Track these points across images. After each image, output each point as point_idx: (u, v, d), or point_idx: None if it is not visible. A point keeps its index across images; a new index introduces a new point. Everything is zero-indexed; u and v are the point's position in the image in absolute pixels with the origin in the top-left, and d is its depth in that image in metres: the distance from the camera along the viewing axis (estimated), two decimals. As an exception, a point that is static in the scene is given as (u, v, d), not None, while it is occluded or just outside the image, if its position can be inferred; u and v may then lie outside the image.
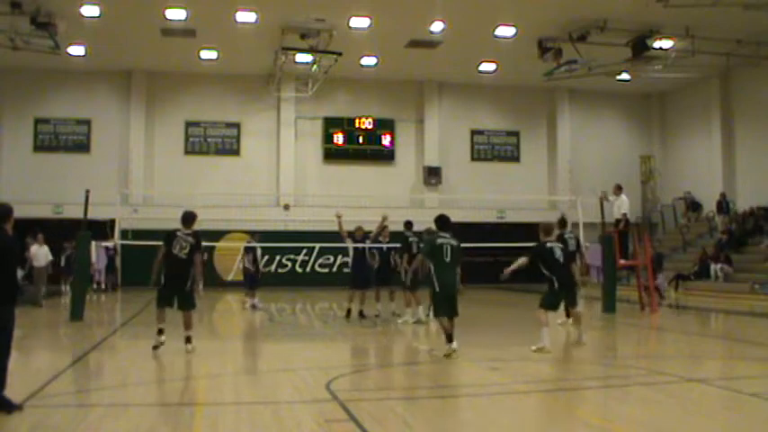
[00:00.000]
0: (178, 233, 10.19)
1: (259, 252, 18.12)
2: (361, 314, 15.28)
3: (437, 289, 9.59)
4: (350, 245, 15.66)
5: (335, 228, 15.83)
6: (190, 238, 10.13)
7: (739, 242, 25.07)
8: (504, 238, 20.37)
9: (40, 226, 22.69)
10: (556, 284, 10.53)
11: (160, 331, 10.19)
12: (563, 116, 31.29)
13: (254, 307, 17.57)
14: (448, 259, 9.62)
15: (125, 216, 23.63)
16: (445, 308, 9.68)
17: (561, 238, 12.76)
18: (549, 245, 10.70)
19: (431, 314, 11.03)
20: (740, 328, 14.95)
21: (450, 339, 9.65)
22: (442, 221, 10.11)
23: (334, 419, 6.47)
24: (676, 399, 7.55)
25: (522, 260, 10.55)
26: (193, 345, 10.21)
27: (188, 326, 10.19)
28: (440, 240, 9.75)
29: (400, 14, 22.12)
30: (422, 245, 12.92)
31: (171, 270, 10.07)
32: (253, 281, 17.96)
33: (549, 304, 10.71)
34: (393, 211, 26.37)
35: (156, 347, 10.08)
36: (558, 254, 10.65)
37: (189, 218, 10.44)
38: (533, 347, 10.41)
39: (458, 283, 10.02)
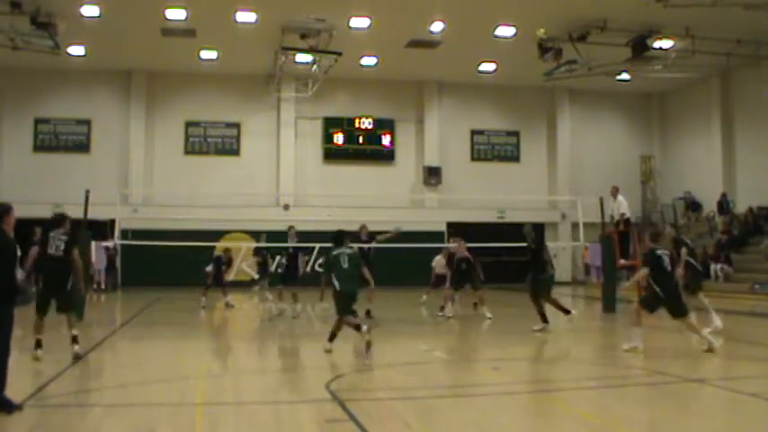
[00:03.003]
0: (51, 234, 9.68)
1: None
2: (368, 313, 15.28)
3: (340, 294, 10.26)
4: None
5: (336, 228, 15.84)
6: (64, 237, 9.66)
7: (739, 242, 25.06)
8: (505, 238, 20.38)
9: (40, 226, 22.83)
10: (660, 293, 10.28)
11: (38, 343, 9.46)
12: (563, 116, 31.29)
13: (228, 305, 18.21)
14: (346, 266, 10.33)
15: (125, 216, 23.65)
16: (348, 308, 10.31)
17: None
18: (657, 252, 10.52)
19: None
20: (740, 328, 14.94)
21: (332, 338, 10.22)
22: (335, 238, 10.81)
23: (334, 419, 6.46)
24: (676, 399, 7.55)
25: (643, 272, 10.48)
26: (79, 346, 9.59)
27: (71, 325, 9.68)
28: (335, 252, 10.51)
29: (400, 14, 22.12)
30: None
31: (49, 272, 9.63)
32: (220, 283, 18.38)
33: (648, 305, 10.53)
34: (393, 211, 26.63)
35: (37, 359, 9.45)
36: (666, 262, 10.48)
37: (59, 219, 9.91)
38: (625, 347, 10.34)
39: (358, 285, 10.57)
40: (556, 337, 12.46)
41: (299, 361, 10.42)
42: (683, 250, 13.09)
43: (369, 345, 9.54)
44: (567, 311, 13.18)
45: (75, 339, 9.65)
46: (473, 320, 15.33)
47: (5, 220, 6.77)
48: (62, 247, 9.57)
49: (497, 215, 28.73)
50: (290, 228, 16.31)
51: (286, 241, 16.42)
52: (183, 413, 6.80)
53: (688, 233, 28.28)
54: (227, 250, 18.93)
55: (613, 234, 17.99)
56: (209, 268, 18.22)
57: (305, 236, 25.52)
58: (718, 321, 12.41)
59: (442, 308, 15.98)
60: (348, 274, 10.36)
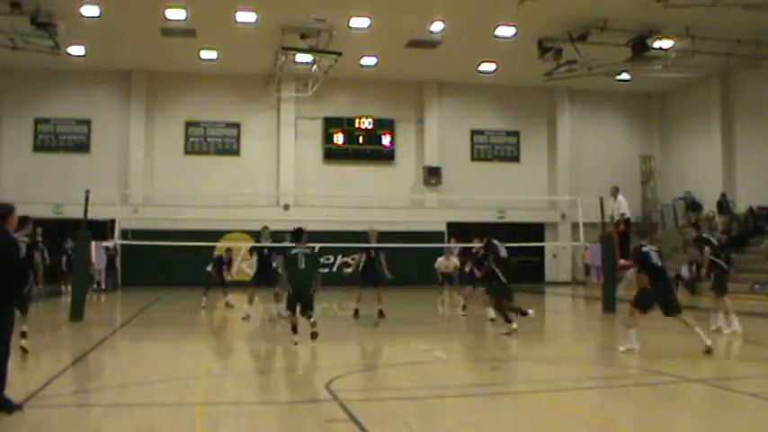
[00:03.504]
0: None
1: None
2: (380, 313, 15.33)
3: (291, 291, 11.28)
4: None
5: (336, 228, 15.93)
6: (25, 239, 9.49)
7: (739, 242, 25.03)
8: (505, 238, 20.37)
9: (40, 226, 22.80)
10: (651, 289, 10.31)
11: None
12: (563, 116, 31.28)
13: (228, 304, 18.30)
14: (302, 266, 11.16)
15: (125, 216, 23.65)
16: (295, 306, 11.24)
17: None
18: (644, 249, 10.55)
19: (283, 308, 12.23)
20: (740, 328, 14.93)
21: (294, 330, 11.19)
22: (294, 234, 11.59)
23: (334, 419, 6.47)
24: (676, 399, 7.55)
25: (632, 271, 10.49)
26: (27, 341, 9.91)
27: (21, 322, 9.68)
28: (294, 251, 11.31)
29: (400, 14, 22.11)
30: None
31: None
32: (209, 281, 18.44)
33: (641, 304, 10.50)
34: (393, 211, 26.64)
35: None
36: (655, 258, 10.44)
37: (21, 221, 9.18)
38: (621, 348, 10.37)
39: (314, 285, 11.39)
40: (555, 337, 12.46)
41: (299, 361, 10.42)
42: (707, 249, 12.95)
43: (313, 335, 11.03)
44: (509, 320, 12.70)
45: (23, 335, 9.85)
46: (474, 320, 15.33)
47: (8, 221, 6.78)
48: (23, 249, 9.47)
49: (497, 215, 28.73)
50: (264, 228, 16.31)
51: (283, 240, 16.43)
52: (183, 413, 6.81)
53: (688, 233, 28.31)
54: (228, 250, 18.93)
55: (613, 234, 17.98)
56: (210, 268, 18.24)
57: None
58: (737, 325, 12.39)
59: (464, 307, 16.32)
60: (304, 274, 11.14)
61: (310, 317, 11.16)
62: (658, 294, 10.29)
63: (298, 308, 11.25)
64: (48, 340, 12.59)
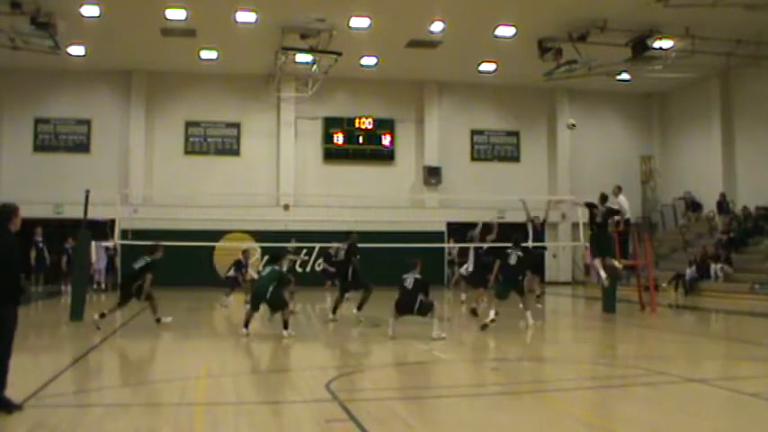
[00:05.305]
0: None
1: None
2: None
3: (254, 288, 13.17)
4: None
5: (335, 228, 16.02)
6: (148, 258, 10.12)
7: (739, 242, 25.04)
8: (505, 239, 20.37)
9: (40, 226, 22.84)
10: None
11: None
12: (563, 116, 31.21)
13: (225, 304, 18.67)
14: (264, 274, 12.75)
15: (125, 216, 23.62)
16: (256, 306, 12.75)
17: None
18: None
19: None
20: (740, 328, 14.95)
21: (245, 325, 12.58)
22: (272, 256, 13.31)
23: (334, 419, 6.47)
24: (676, 399, 7.55)
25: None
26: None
27: None
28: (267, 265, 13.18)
29: (400, 14, 22.11)
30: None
31: None
32: (234, 284, 18.91)
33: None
34: (393, 211, 26.61)
35: None
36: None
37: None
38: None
39: (271, 289, 12.39)
40: (556, 337, 12.47)
41: (299, 361, 10.42)
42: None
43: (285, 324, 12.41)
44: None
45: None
46: (473, 320, 15.32)
47: (12, 221, 6.77)
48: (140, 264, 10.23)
49: (497, 215, 28.70)
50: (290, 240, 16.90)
51: (289, 241, 16.56)
52: (182, 413, 6.81)
53: (688, 233, 28.32)
54: (245, 252, 19.19)
55: (613, 234, 17.97)
56: (231, 273, 18.51)
57: (304, 236, 25.72)
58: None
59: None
60: (263, 279, 12.67)
61: (278, 312, 12.66)
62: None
63: (262, 309, 12.89)
64: (48, 340, 12.60)
